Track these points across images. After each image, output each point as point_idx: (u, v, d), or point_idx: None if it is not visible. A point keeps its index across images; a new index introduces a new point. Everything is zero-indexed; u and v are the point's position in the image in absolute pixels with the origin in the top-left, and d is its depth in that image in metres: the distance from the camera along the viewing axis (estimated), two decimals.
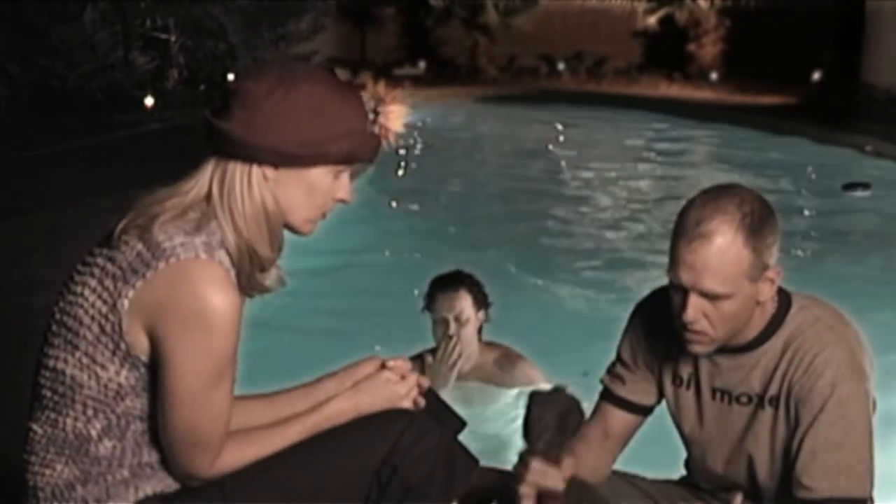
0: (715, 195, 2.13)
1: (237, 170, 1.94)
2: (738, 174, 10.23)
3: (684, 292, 2.12)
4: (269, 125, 1.91)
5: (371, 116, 1.81)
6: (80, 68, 11.61)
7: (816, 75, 16.97)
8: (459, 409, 2.29)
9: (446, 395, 3.37)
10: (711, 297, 2.10)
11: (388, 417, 2.11)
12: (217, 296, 1.86)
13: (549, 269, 6.88)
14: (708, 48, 18.97)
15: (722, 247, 2.07)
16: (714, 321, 2.13)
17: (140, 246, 1.88)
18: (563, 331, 5.24)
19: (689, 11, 18.89)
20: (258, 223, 1.95)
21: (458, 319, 3.65)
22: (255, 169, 1.94)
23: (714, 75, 18.27)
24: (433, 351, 3.68)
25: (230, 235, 1.93)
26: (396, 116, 1.96)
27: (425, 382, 2.19)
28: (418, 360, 3.66)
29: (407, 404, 2.13)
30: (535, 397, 2.32)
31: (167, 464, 2.00)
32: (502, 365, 3.78)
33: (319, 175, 1.98)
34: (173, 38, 13.04)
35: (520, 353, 3.83)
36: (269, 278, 2.02)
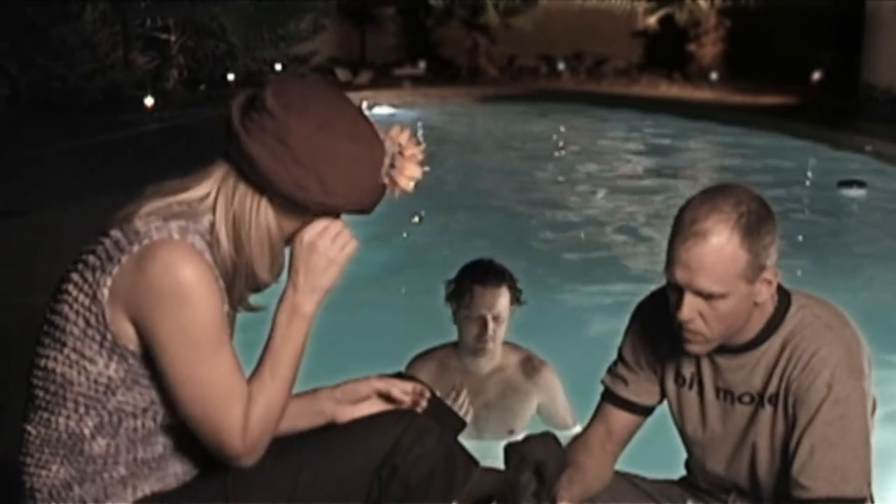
0: (712, 195, 2.12)
1: (248, 194, 1.93)
2: (737, 174, 10.23)
3: (680, 291, 2.11)
4: (294, 169, 1.89)
5: (386, 166, 1.79)
6: (80, 68, 11.63)
7: (816, 75, 16.99)
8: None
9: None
10: (706, 296, 2.09)
11: (389, 417, 2.12)
12: (185, 267, 1.85)
13: (547, 268, 6.88)
14: (708, 48, 18.99)
15: (717, 246, 2.06)
16: (709, 321, 2.12)
17: (118, 234, 1.89)
18: (562, 331, 5.24)
19: (689, 11, 18.90)
20: (261, 247, 1.96)
21: (496, 319, 3.36)
22: (265, 199, 1.94)
23: (714, 75, 18.29)
24: (455, 345, 3.48)
25: (227, 247, 1.93)
26: (409, 175, 1.91)
27: (426, 394, 2.20)
28: (435, 356, 3.52)
29: (349, 249, 2.02)
30: (509, 455, 2.34)
31: (165, 461, 2.00)
32: (526, 370, 3.54)
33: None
34: (173, 38, 13.07)
35: (544, 360, 3.60)
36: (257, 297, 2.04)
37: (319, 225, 1.97)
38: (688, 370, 2.34)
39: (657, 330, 2.35)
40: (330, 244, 1.98)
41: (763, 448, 2.25)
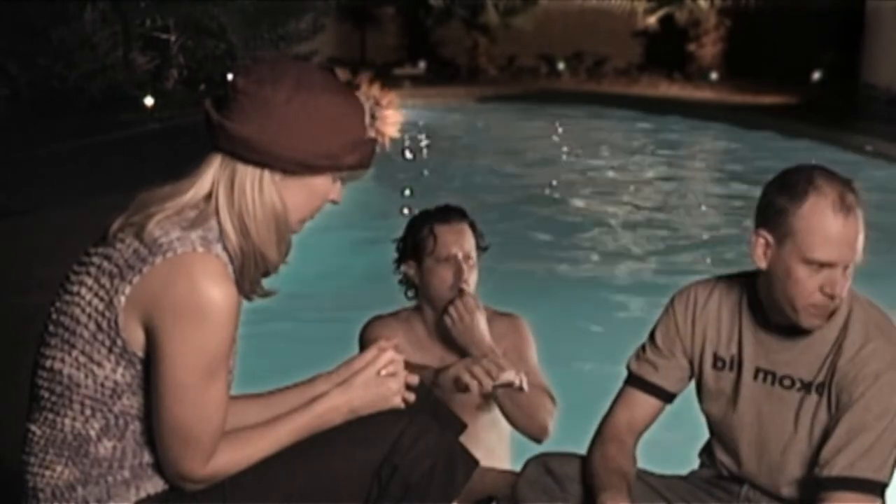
0: (821, 171, 2.21)
1: (248, 174, 1.94)
2: (738, 174, 10.24)
3: (824, 269, 2.16)
4: (289, 133, 1.91)
5: (368, 120, 1.78)
6: (80, 68, 11.62)
7: (816, 75, 16.98)
8: None
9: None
10: (846, 266, 2.18)
11: (388, 417, 2.11)
12: (214, 288, 1.85)
13: (547, 268, 6.88)
14: (708, 48, 18.97)
15: (862, 216, 2.19)
16: (845, 289, 2.21)
17: (136, 243, 1.89)
18: (561, 331, 5.24)
19: (689, 11, 18.88)
20: (268, 227, 1.95)
21: (468, 259, 2.88)
22: (267, 174, 1.94)
23: (714, 75, 18.28)
24: (416, 309, 3.01)
25: (234, 238, 1.92)
26: (393, 122, 1.90)
27: (414, 380, 2.19)
28: (397, 316, 3.08)
29: (397, 401, 2.12)
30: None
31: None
32: (491, 323, 2.93)
33: (323, 181, 1.99)
34: (173, 38, 13.05)
35: (511, 312, 3.08)
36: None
37: (397, 366, 2.12)
38: (729, 353, 2.37)
39: (698, 319, 2.39)
40: (394, 384, 2.10)
41: (801, 436, 2.29)
